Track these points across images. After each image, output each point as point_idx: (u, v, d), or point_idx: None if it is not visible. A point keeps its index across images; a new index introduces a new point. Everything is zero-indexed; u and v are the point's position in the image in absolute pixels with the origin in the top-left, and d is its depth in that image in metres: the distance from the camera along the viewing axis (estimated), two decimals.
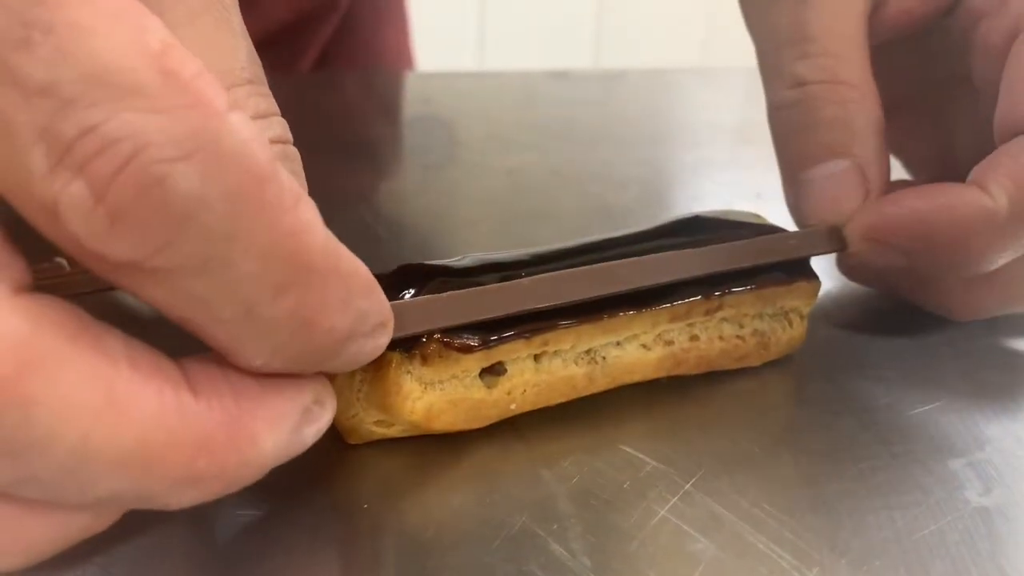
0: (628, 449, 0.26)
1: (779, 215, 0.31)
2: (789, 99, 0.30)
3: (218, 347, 0.17)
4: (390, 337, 0.20)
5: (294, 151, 0.21)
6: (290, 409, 0.19)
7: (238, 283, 0.16)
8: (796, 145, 0.30)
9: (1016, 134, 0.27)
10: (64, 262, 0.33)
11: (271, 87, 0.21)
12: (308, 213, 0.16)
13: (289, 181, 0.16)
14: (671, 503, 0.24)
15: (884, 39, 0.32)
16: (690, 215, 0.30)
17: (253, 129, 0.15)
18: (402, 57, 0.72)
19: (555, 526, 0.23)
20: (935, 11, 0.32)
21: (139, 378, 0.16)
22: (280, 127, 0.20)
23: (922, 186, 0.28)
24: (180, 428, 0.16)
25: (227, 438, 0.17)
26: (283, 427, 0.18)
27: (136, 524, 0.22)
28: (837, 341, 0.32)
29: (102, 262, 0.15)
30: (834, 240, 0.29)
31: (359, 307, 0.18)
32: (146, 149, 0.14)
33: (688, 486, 0.24)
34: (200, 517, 0.22)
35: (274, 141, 0.20)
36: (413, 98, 0.64)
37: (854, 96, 0.29)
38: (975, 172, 0.27)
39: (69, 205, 0.14)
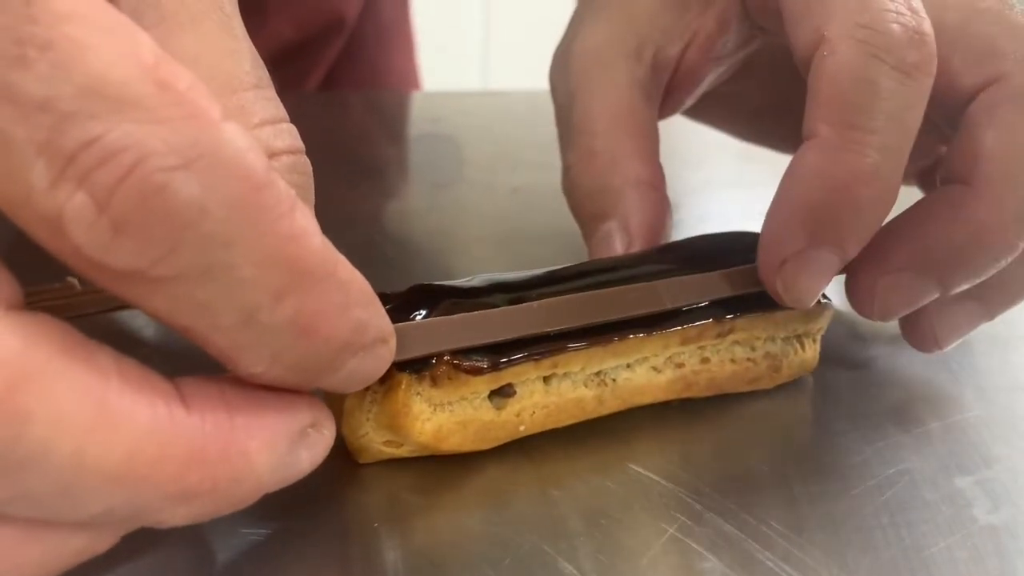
0: (637, 468, 0.26)
1: None
2: (564, 182, 0.33)
3: (219, 355, 0.17)
4: (392, 356, 0.20)
5: (305, 162, 0.21)
6: (285, 428, 0.19)
7: (239, 289, 0.16)
8: (579, 219, 0.33)
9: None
10: (76, 281, 0.34)
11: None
12: (304, 219, 0.17)
13: (285, 187, 0.16)
14: (680, 522, 0.24)
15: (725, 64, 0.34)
16: (701, 236, 0.30)
17: (248, 138, 0.16)
18: (408, 78, 0.73)
19: (564, 545, 0.23)
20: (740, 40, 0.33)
21: (130, 392, 0.16)
22: (289, 134, 0.20)
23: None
24: (172, 441, 0.16)
25: (219, 452, 0.17)
26: (277, 446, 0.18)
27: (140, 544, 0.22)
28: (848, 362, 0.32)
29: (105, 272, 0.15)
30: None
31: (357, 316, 0.18)
32: (148, 159, 0.14)
33: (697, 505, 0.24)
34: (207, 537, 0.23)
35: (284, 151, 0.20)
36: (420, 117, 0.64)
37: (605, 164, 0.31)
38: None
39: (72, 217, 0.14)
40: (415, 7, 0.73)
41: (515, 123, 0.62)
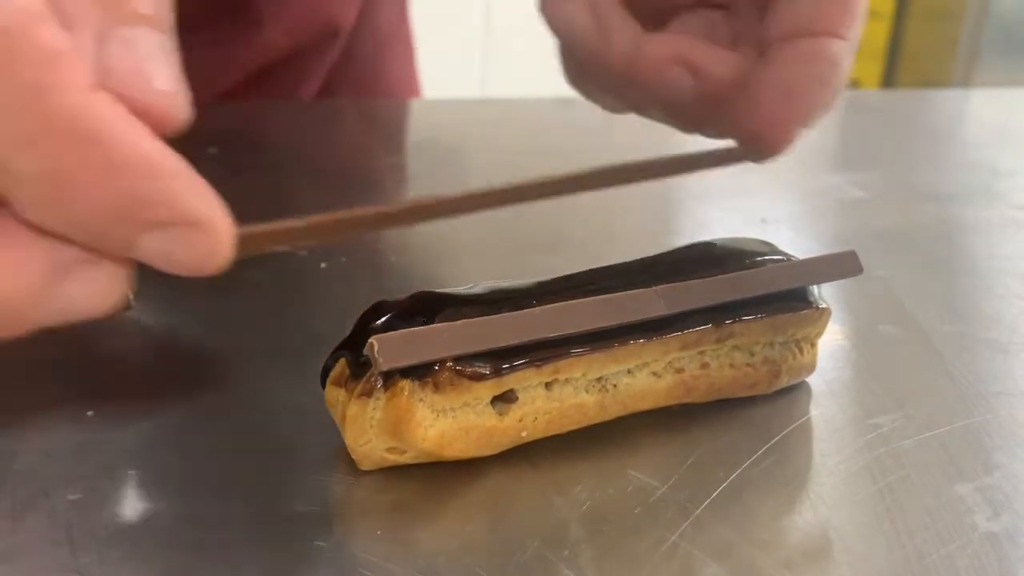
0: (639, 475, 0.26)
1: (785, 240, 0.32)
2: None
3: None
4: (217, 247, 0.19)
5: (146, 32, 0.20)
6: (33, 257, 0.18)
7: None
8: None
9: None
10: None
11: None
12: (60, 74, 0.17)
13: (48, 39, 0.17)
14: (682, 528, 0.24)
15: None
16: (701, 242, 0.30)
17: None
18: (408, 86, 0.73)
19: (567, 552, 0.23)
20: None
21: None
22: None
23: None
24: None
25: None
26: (23, 273, 0.18)
27: (139, 541, 0.22)
28: (847, 368, 0.32)
29: None
30: (848, 266, 0.30)
31: (132, 187, 0.18)
32: None
33: (699, 511, 0.25)
34: (207, 538, 0.23)
35: (134, 19, 0.19)
36: (418, 125, 0.65)
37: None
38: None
39: None
40: (413, 14, 0.73)
41: (514, 131, 0.62)
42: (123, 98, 0.18)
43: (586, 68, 0.33)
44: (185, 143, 0.19)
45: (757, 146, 0.28)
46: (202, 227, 0.19)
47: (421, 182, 0.53)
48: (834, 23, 0.28)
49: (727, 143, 0.29)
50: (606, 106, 0.35)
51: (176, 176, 0.18)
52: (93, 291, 0.19)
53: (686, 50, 0.30)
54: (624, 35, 0.30)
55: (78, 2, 0.18)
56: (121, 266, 0.19)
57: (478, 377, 0.24)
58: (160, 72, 0.19)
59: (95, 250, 0.19)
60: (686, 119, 0.32)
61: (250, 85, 0.61)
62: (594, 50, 0.31)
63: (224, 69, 0.60)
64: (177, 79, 0.20)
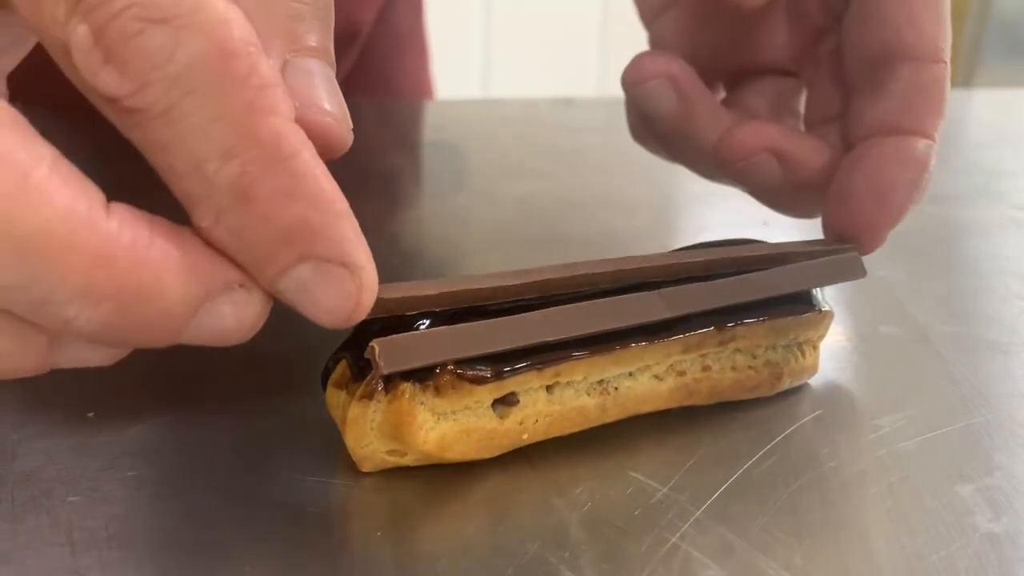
0: (639, 476, 0.26)
1: None
2: None
3: (180, 200, 0.19)
4: (361, 296, 0.21)
5: (318, 64, 0.22)
6: (205, 270, 0.19)
7: (191, 136, 0.18)
8: None
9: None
10: None
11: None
12: (271, 100, 0.19)
13: (266, 69, 0.19)
14: (682, 530, 0.24)
15: None
16: (701, 244, 0.30)
17: (238, 13, 0.18)
18: (422, 86, 0.73)
19: (567, 554, 0.23)
20: None
21: (57, 181, 0.18)
22: (320, 29, 0.22)
23: None
24: (84, 233, 0.18)
25: (130, 262, 0.18)
26: (193, 283, 0.19)
27: (139, 542, 0.22)
28: (847, 369, 0.32)
29: (96, 96, 0.18)
30: (852, 269, 0.30)
31: (306, 215, 0.19)
32: (134, 6, 0.17)
33: (699, 513, 0.25)
34: (208, 541, 0.23)
35: (307, 51, 0.22)
36: (424, 126, 0.65)
37: None
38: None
39: (75, 45, 0.18)
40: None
41: (517, 132, 0.62)
42: (301, 122, 0.20)
43: (666, 138, 0.33)
44: None
45: (851, 244, 0.29)
46: (355, 272, 0.20)
47: (426, 181, 0.53)
48: (923, 121, 0.29)
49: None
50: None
51: (346, 216, 0.20)
52: (241, 315, 0.20)
53: (775, 139, 0.30)
54: (712, 120, 0.31)
55: (266, 35, 0.20)
56: (268, 298, 0.21)
57: (479, 380, 0.24)
58: (332, 100, 0.22)
59: (250, 275, 0.20)
60: (770, 200, 0.33)
61: None
62: (678, 127, 0.32)
63: None
64: (345, 107, 0.22)
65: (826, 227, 0.30)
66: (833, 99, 0.32)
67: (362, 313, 0.21)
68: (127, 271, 0.18)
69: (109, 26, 0.17)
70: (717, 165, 0.31)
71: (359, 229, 0.20)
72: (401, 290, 0.24)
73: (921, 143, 0.28)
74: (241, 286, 0.20)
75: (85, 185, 0.18)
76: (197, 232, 0.19)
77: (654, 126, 0.33)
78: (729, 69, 0.34)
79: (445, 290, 0.24)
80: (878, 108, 0.29)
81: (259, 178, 0.19)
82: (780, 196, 0.32)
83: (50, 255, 0.17)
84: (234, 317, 0.20)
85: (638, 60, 0.32)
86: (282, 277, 0.20)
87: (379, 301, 0.21)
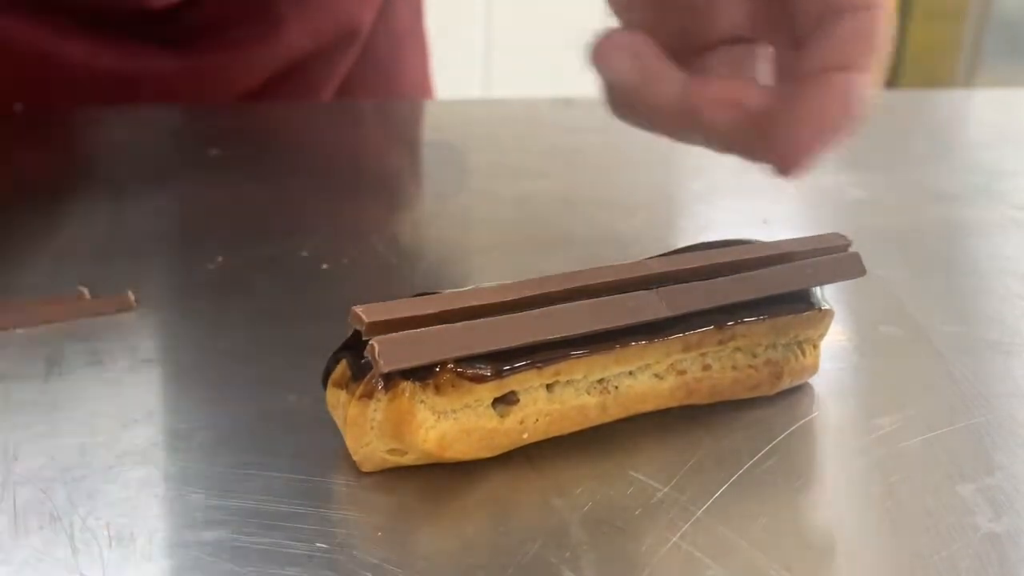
0: (640, 476, 0.26)
1: None
2: None
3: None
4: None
5: None
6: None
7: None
8: None
9: None
10: (85, 291, 0.34)
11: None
12: None
13: None
14: (683, 530, 0.24)
15: None
16: (700, 243, 0.30)
17: None
18: (422, 86, 0.73)
19: (568, 554, 0.23)
20: None
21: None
22: None
23: None
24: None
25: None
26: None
27: (140, 542, 0.22)
28: (848, 369, 0.32)
29: None
30: (852, 268, 0.30)
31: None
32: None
33: (700, 512, 0.25)
34: (208, 544, 0.23)
35: None
36: (424, 126, 0.65)
37: None
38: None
39: None
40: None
41: (517, 132, 0.62)
42: None
43: (634, 109, 0.35)
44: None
45: (779, 167, 0.30)
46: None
47: (428, 181, 0.53)
48: (856, 59, 0.31)
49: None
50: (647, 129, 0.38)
51: None
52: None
53: (732, 91, 0.32)
54: (672, 79, 0.33)
55: None
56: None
57: (479, 379, 0.24)
58: None
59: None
60: (723, 144, 0.34)
61: (270, 87, 0.61)
62: (642, 96, 0.33)
63: (246, 71, 0.60)
64: None
65: (759, 155, 0.31)
66: (790, 58, 0.33)
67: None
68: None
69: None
70: (680, 115, 0.33)
71: None
72: (401, 309, 0.24)
73: (853, 75, 0.30)
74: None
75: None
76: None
77: (622, 96, 0.34)
78: (695, 45, 0.36)
79: (445, 307, 0.24)
80: (816, 53, 0.31)
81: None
82: (731, 139, 0.33)
83: None
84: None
85: (599, 36, 0.34)
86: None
87: (381, 323, 0.21)
